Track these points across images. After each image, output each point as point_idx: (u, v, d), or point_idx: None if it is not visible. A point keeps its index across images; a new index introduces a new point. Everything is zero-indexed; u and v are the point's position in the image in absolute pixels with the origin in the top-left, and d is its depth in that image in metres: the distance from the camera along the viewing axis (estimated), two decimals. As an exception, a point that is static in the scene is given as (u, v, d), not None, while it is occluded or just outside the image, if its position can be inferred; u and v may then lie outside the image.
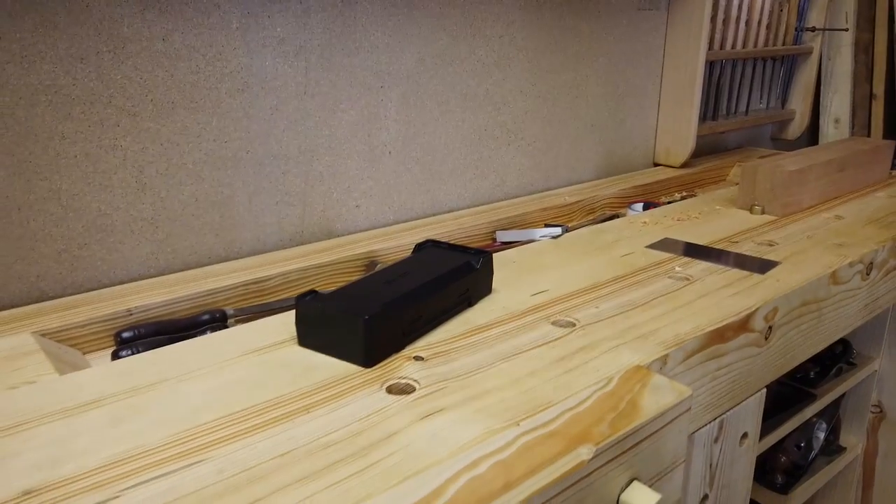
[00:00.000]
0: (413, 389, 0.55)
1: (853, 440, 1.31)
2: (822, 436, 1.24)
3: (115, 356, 0.67)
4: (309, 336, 0.61)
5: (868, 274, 0.89)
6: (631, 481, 0.51)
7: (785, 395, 1.11)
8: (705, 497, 0.74)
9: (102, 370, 0.58)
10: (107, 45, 0.72)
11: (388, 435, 0.49)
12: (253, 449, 0.47)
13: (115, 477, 0.44)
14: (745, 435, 0.76)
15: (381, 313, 0.59)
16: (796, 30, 1.54)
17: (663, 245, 0.89)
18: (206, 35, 0.78)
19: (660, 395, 0.54)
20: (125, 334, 0.69)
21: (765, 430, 0.98)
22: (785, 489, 1.16)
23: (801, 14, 1.55)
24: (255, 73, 0.83)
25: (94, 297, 0.74)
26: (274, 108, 0.85)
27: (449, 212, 1.08)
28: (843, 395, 1.25)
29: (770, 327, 0.73)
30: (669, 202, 1.17)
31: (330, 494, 0.43)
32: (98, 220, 0.76)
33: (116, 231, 0.77)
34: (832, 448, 1.29)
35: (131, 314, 0.72)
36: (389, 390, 0.55)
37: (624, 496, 0.51)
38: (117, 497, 0.43)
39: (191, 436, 0.49)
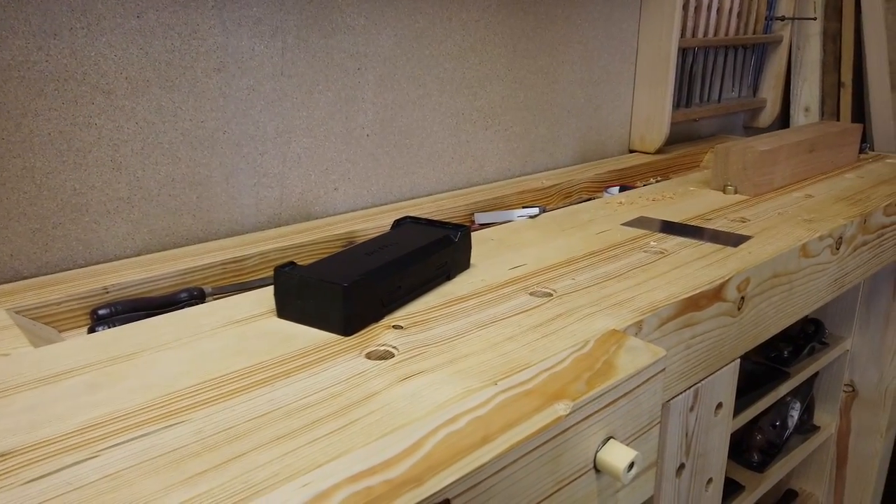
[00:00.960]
0: (392, 355, 0.56)
1: (827, 419, 1.34)
2: (796, 415, 1.26)
3: (91, 332, 0.66)
4: (288, 307, 0.62)
5: (838, 248, 0.91)
6: (608, 439, 0.52)
7: (759, 373, 1.13)
8: (682, 466, 0.75)
9: (79, 342, 0.58)
10: (80, 21, 0.72)
11: (367, 396, 0.49)
12: (231, 411, 0.47)
13: (93, 439, 0.44)
14: (719, 405, 0.77)
15: (361, 282, 0.59)
16: (766, 19, 1.57)
17: (638, 223, 0.91)
18: (182, 13, 0.78)
19: (635, 356, 0.55)
20: (101, 311, 0.69)
21: (740, 408, 1.00)
22: (761, 467, 1.18)
23: (771, 3, 1.58)
24: (231, 53, 0.82)
25: (70, 276, 0.73)
26: (251, 89, 0.85)
27: (427, 195, 1.09)
28: (816, 375, 1.28)
29: (743, 297, 0.75)
30: (645, 185, 1.18)
31: (310, 450, 0.43)
32: (73, 200, 0.75)
33: (91, 210, 0.76)
34: (806, 427, 1.31)
35: (108, 292, 0.71)
36: (369, 356, 0.55)
37: (601, 454, 0.51)
38: (96, 456, 0.43)
39: (169, 400, 0.49)
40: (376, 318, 0.62)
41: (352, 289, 0.58)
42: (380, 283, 0.61)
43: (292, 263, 0.63)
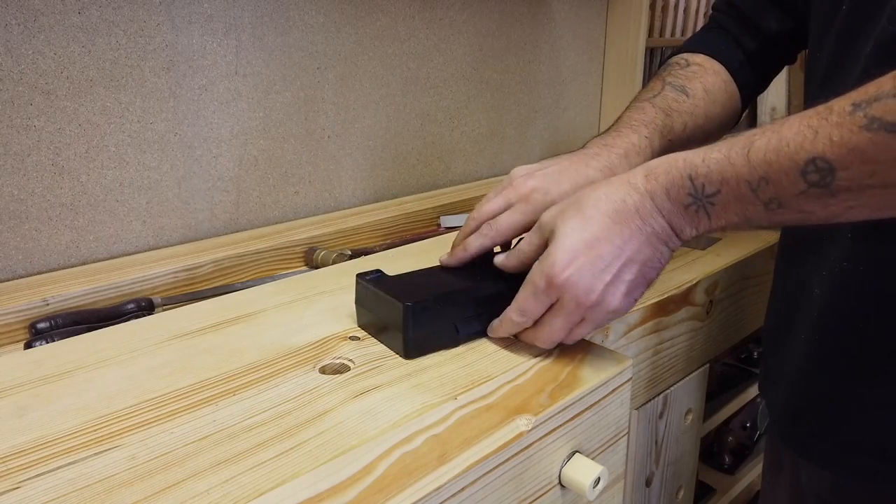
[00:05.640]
0: (348, 369, 0.53)
1: (796, 419, 1.33)
2: (766, 415, 1.26)
3: (28, 347, 0.62)
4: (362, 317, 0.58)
5: (805, 249, 0.90)
6: (573, 454, 0.50)
7: (729, 375, 1.13)
8: (651, 475, 0.73)
9: (12, 359, 0.54)
10: (16, 17, 0.68)
11: (318, 414, 0.46)
12: (170, 434, 0.44)
13: (17, 467, 0.41)
14: (689, 410, 0.76)
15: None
16: (733, 19, 1.57)
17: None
18: (127, 9, 0.74)
19: (600, 366, 0.53)
20: (40, 325, 0.64)
21: (710, 410, 0.98)
22: (732, 469, 1.17)
23: (738, 4, 1.58)
24: (181, 51, 0.79)
25: (8, 287, 0.69)
26: (203, 88, 0.81)
27: (393, 198, 1.06)
28: (785, 375, 1.28)
29: (711, 301, 0.73)
30: (613, 187, 1.17)
31: (252, 476, 0.40)
32: (11, 206, 0.71)
33: (32, 218, 0.72)
34: (776, 427, 1.31)
35: (48, 304, 0.67)
36: (323, 370, 0.52)
37: (566, 469, 0.49)
38: (18, 488, 0.39)
39: (102, 423, 0.45)
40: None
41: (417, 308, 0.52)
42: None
43: (378, 271, 0.57)
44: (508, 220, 0.57)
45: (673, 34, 1.43)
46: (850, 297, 0.52)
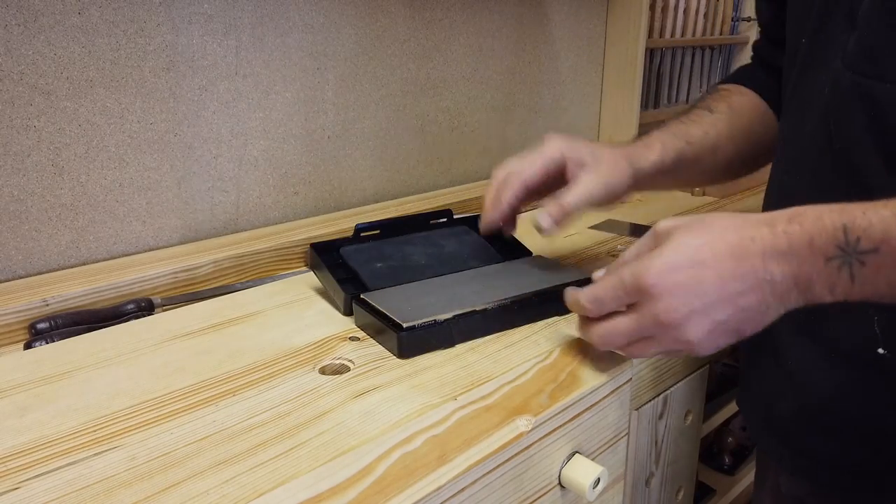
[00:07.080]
0: (348, 369, 0.53)
1: (796, 419, 1.33)
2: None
3: (28, 347, 0.62)
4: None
5: (805, 250, 0.90)
6: (573, 454, 0.50)
7: (729, 375, 1.13)
8: (651, 475, 0.73)
9: (11, 359, 0.54)
10: (16, 17, 0.67)
11: (318, 414, 0.46)
12: (170, 435, 0.44)
13: (16, 468, 0.41)
14: (689, 411, 0.76)
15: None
16: (732, 19, 1.57)
17: (606, 226, 0.89)
18: (127, 9, 0.74)
19: (600, 366, 0.53)
20: (40, 325, 0.64)
21: (710, 411, 0.98)
22: (732, 470, 1.17)
23: (737, 4, 1.58)
24: (181, 52, 0.79)
25: (7, 287, 0.69)
26: (203, 89, 0.81)
27: (393, 199, 1.06)
28: (785, 376, 1.28)
29: (711, 302, 0.73)
30: (613, 187, 1.17)
31: (252, 476, 0.40)
32: (11, 207, 0.71)
33: (31, 218, 0.72)
34: (776, 428, 1.31)
35: (48, 304, 0.67)
36: (323, 371, 0.53)
37: (565, 470, 0.49)
38: (17, 488, 0.39)
39: (102, 423, 0.45)
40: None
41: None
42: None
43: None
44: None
45: (673, 35, 1.43)
46: (821, 309, 0.52)
